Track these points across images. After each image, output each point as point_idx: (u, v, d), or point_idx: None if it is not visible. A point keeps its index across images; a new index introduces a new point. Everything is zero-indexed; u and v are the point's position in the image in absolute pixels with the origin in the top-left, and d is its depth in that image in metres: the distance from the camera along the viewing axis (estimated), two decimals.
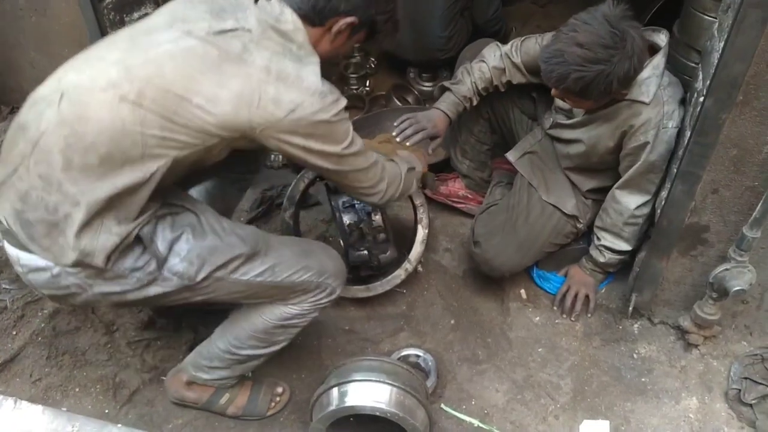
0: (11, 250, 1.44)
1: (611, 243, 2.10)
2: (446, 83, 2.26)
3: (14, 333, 2.01)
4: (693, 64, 1.95)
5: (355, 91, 3.18)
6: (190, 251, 1.46)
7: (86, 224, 1.35)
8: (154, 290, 1.46)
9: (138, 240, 1.42)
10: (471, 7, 3.06)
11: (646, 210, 2.00)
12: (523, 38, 2.18)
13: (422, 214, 2.24)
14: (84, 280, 1.41)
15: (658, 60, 1.84)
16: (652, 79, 1.83)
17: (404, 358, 2.09)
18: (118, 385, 1.98)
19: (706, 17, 1.87)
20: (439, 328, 2.23)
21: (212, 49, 1.36)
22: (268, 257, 1.58)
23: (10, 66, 2.46)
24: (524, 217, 2.16)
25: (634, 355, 2.10)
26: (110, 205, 1.36)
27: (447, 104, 2.22)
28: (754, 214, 1.69)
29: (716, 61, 1.56)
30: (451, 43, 3.07)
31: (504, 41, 2.26)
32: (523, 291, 2.33)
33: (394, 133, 2.15)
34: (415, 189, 1.97)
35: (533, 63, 2.06)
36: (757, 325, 2.04)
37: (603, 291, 2.28)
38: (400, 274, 2.21)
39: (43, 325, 2.03)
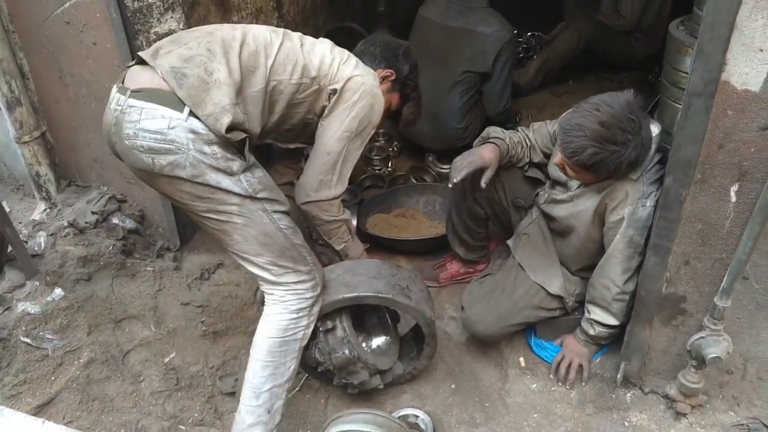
0: (137, 102, 1.72)
1: (600, 317, 2.20)
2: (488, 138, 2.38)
3: (53, 379, 2.22)
4: (668, 147, 2.12)
5: (377, 172, 3.45)
6: (260, 177, 1.84)
7: (232, 94, 1.76)
8: (226, 183, 1.75)
9: (239, 144, 1.79)
10: (483, 98, 3.31)
11: (631, 285, 2.09)
12: (537, 124, 2.43)
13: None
14: (188, 141, 1.69)
15: (655, 139, 2.01)
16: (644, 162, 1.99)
17: (403, 418, 2.21)
18: (139, 431, 2.16)
19: (677, 105, 2.06)
20: (440, 391, 2.34)
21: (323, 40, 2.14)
22: (292, 222, 1.94)
23: (70, 145, 2.83)
24: (509, 293, 2.30)
25: (626, 423, 2.16)
26: (242, 93, 1.81)
27: (496, 140, 2.34)
28: (722, 284, 1.81)
29: (673, 143, 1.74)
30: (467, 132, 3.32)
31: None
32: (522, 358, 2.43)
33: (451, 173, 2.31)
34: (336, 242, 2.26)
35: (546, 144, 2.37)
36: (744, 396, 2.08)
37: (598, 361, 2.37)
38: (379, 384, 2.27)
39: (78, 373, 2.25)
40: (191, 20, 2.70)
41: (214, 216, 1.81)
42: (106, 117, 1.82)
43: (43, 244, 2.58)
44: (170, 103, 1.71)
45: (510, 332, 2.37)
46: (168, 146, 1.70)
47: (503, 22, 3.13)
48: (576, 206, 2.18)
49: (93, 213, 2.75)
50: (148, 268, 2.68)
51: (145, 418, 2.19)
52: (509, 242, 2.48)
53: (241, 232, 1.84)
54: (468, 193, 2.53)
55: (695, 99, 1.62)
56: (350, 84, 2.00)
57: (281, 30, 2.02)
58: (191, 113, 1.70)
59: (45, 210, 2.87)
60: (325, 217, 2.13)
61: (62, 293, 2.40)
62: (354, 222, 2.98)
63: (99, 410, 2.19)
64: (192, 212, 1.86)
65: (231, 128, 1.74)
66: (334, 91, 1.99)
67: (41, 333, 2.29)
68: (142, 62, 1.82)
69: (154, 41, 2.49)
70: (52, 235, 2.62)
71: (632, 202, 2.00)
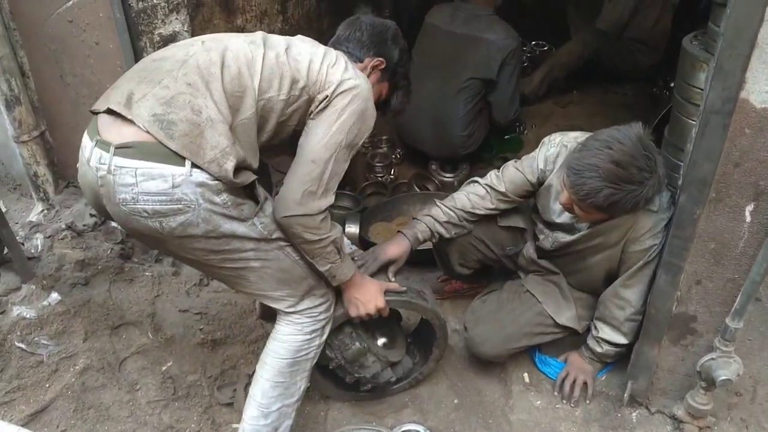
0: (127, 162, 1.53)
1: (609, 336, 2.17)
2: (416, 216, 2.33)
3: (47, 386, 2.17)
4: (680, 163, 2.09)
5: (380, 179, 3.41)
6: (272, 213, 1.72)
7: (227, 132, 1.58)
8: (241, 230, 1.65)
9: (250, 187, 1.68)
10: (489, 107, 3.28)
11: (644, 307, 2.06)
12: (502, 170, 2.26)
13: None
14: (197, 197, 1.55)
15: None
16: (665, 194, 1.96)
17: None
18: None
19: (690, 121, 2.03)
20: (442, 407, 2.30)
21: (305, 39, 1.87)
22: None
23: (70, 146, 2.78)
24: (515, 316, 2.26)
25: None
26: (234, 127, 1.62)
27: (412, 231, 2.26)
28: (735, 305, 1.78)
29: (688, 161, 1.71)
30: (471, 140, 3.30)
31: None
32: (526, 375, 2.39)
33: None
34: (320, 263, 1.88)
35: (519, 189, 2.22)
36: (753, 419, 2.05)
37: (603, 378, 2.33)
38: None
39: (73, 380, 2.20)
40: (195, 21, 2.66)
41: (230, 265, 1.72)
42: (85, 176, 1.64)
43: (40, 247, 2.54)
44: (167, 157, 1.52)
45: (514, 353, 2.33)
46: (177, 206, 1.55)
47: (509, 31, 3.11)
48: (590, 242, 2.10)
49: (91, 215, 2.71)
50: (147, 273, 2.63)
51: (141, 428, 2.14)
52: (509, 282, 2.43)
53: (257, 274, 1.76)
54: (455, 263, 2.43)
55: (713, 117, 1.59)
56: (340, 89, 1.74)
57: (259, 36, 1.78)
58: (193, 164, 1.53)
59: (42, 211, 2.83)
60: (308, 236, 1.76)
61: (59, 298, 2.35)
62: (356, 229, 2.94)
63: (94, 419, 2.14)
64: (204, 265, 1.75)
65: (236, 170, 1.59)
66: (325, 97, 1.74)
67: (36, 338, 2.25)
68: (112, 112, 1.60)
69: (158, 43, 2.46)
70: (49, 237, 2.58)
71: (657, 234, 1.96)
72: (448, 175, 3.45)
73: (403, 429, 2.19)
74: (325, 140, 1.73)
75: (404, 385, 2.33)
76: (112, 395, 2.21)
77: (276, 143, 1.83)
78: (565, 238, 2.16)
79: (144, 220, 1.57)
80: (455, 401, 2.32)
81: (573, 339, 2.35)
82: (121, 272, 2.58)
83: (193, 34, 2.59)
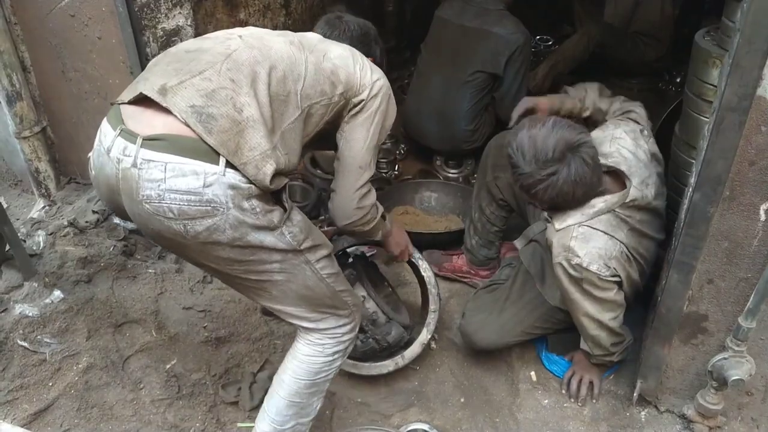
0: (156, 155, 1.42)
1: (590, 349, 2.17)
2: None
3: (50, 384, 2.15)
4: (692, 160, 2.07)
5: (384, 175, 3.39)
6: (300, 222, 1.63)
7: (267, 135, 1.50)
8: (269, 240, 1.55)
9: (279, 192, 1.59)
10: (494, 102, 3.26)
11: (595, 327, 2.05)
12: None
13: (433, 305, 2.32)
14: (227, 199, 1.44)
15: (599, 207, 1.93)
16: (575, 216, 1.94)
17: None
18: None
19: (702, 118, 2.01)
20: (448, 405, 2.28)
21: (326, 39, 1.87)
22: (335, 265, 1.78)
23: (72, 141, 2.76)
24: (513, 300, 2.26)
25: None
26: (275, 131, 1.55)
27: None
28: (748, 304, 1.75)
29: (702, 159, 1.68)
30: (476, 135, 3.27)
31: None
32: (533, 373, 2.37)
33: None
34: (378, 236, 2.08)
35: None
36: (764, 418, 2.03)
37: (611, 377, 2.31)
38: (388, 365, 2.29)
39: (77, 378, 2.18)
40: (198, 16, 2.63)
41: (253, 276, 1.63)
42: (103, 168, 1.52)
43: (42, 244, 2.51)
44: (200, 153, 1.42)
45: (512, 343, 2.30)
46: (205, 208, 1.44)
47: (519, 26, 3.08)
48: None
49: (94, 212, 2.68)
50: (150, 270, 2.61)
51: (146, 427, 2.12)
52: (516, 242, 2.42)
53: (280, 288, 1.67)
54: (489, 171, 2.51)
55: (728, 114, 1.56)
56: (373, 91, 1.77)
57: (296, 38, 1.73)
58: (228, 164, 1.44)
59: (44, 207, 2.80)
60: (366, 228, 1.91)
61: (61, 295, 2.33)
62: None
63: (98, 418, 2.12)
64: (225, 275, 1.66)
65: (274, 175, 1.51)
66: (360, 101, 1.75)
67: (39, 336, 2.22)
68: (141, 99, 1.50)
69: (161, 37, 2.43)
70: (51, 234, 2.55)
71: (557, 255, 1.95)
72: (452, 170, 3.43)
73: (410, 428, 2.17)
74: (366, 145, 1.78)
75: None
76: (116, 394, 2.19)
77: (306, 144, 1.78)
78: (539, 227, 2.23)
79: (168, 222, 1.46)
80: (462, 400, 2.30)
81: (579, 337, 2.33)
82: (124, 269, 2.55)
83: (196, 29, 2.56)
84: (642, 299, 2.19)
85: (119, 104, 1.54)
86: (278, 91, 1.56)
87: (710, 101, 1.93)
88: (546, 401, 2.28)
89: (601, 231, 1.92)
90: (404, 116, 3.50)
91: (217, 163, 1.43)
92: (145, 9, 2.34)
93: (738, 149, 1.60)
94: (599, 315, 2.00)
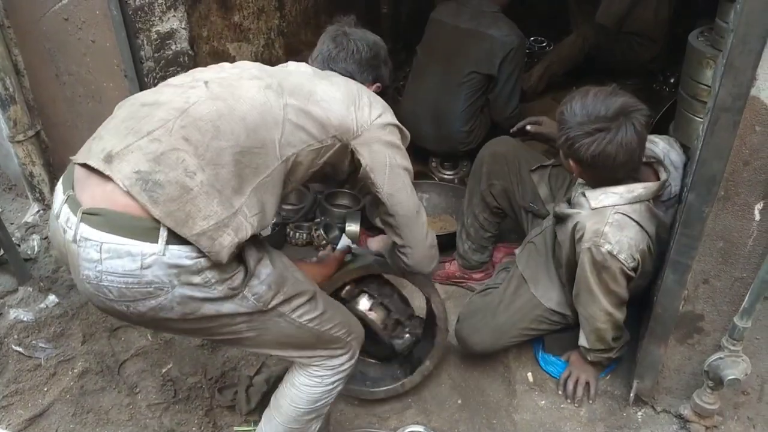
0: (93, 233, 1.29)
1: (592, 344, 2.15)
2: None
3: (45, 389, 2.15)
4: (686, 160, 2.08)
5: None
6: (268, 276, 1.46)
7: (225, 202, 1.33)
8: (228, 307, 1.41)
9: (238, 254, 1.40)
10: (489, 104, 3.26)
11: (605, 319, 2.03)
12: None
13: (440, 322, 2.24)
14: (171, 278, 1.31)
15: (638, 192, 1.91)
16: (614, 197, 1.91)
17: None
18: None
19: (696, 118, 2.02)
20: (446, 407, 2.28)
21: (315, 72, 1.70)
22: (320, 303, 1.63)
23: (66, 145, 2.75)
24: (507, 304, 2.25)
25: None
26: (243, 191, 1.38)
27: None
28: (743, 304, 1.75)
29: (696, 159, 1.69)
30: (472, 137, 3.27)
31: None
32: (530, 374, 2.37)
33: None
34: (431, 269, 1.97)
35: None
36: (760, 418, 2.04)
37: (608, 377, 2.31)
38: (397, 389, 2.25)
39: (72, 383, 2.17)
40: (192, 18, 2.63)
41: (218, 337, 1.53)
42: (55, 233, 1.41)
43: (36, 248, 2.51)
44: (137, 232, 1.28)
45: (507, 346, 2.30)
46: (146, 289, 1.31)
47: (513, 28, 3.09)
48: (564, 227, 2.08)
49: None
50: None
51: None
52: (516, 251, 2.43)
53: (254, 341, 1.56)
54: (484, 179, 2.50)
55: (722, 114, 1.56)
56: (377, 134, 1.63)
57: (277, 80, 1.54)
58: (169, 238, 1.28)
59: (38, 212, 2.80)
60: (432, 268, 1.94)
61: (56, 300, 2.33)
62: (357, 228, 2.91)
63: (93, 423, 2.12)
64: (189, 335, 1.61)
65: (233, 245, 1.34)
66: (363, 144, 1.62)
67: (34, 341, 2.22)
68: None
69: (156, 40, 2.42)
70: (45, 238, 2.55)
71: (589, 239, 1.91)
72: (448, 172, 3.43)
73: (407, 431, 2.16)
74: (410, 194, 1.74)
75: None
76: (112, 398, 2.19)
77: (308, 180, 1.69)
78: (563, 209, 2.13)
79: (110, 302, 1.35)
80: (459, 402, 2.29)
81: (576, 338, 2.33)
82: None
83: (190, 32, 2.56)
84: (638, 299, 2.19)
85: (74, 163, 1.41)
86: (252, 144, 1.40)
87: (704, 102, 1.94)
88: (543, 402, 2.28)
89: (635, 221, 1.90)
90: (399, 118, 3.49)
91: (156, 241, 1.28)
92: (139, 12, 2.33)
93: (732, 149, 1.60)
94: (611, 308, 1.99)
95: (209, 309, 1.39)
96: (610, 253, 1.87)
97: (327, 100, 1.58)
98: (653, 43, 4.08)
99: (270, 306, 1.48)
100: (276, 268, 1.50)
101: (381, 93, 1.87)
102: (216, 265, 1.34)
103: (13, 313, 2.24)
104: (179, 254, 1.30)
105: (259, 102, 1.46)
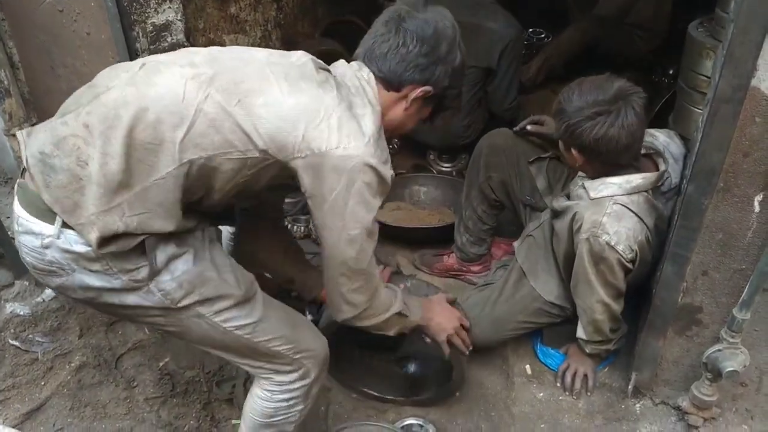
0: (16, 207, 1.36)
1: (590, 336, 2.14)
2: None
3: (42, 383, 2.14)
4: (685, 152, 2.07)
5: None
6: (184, 273, 1.38)
7: (105, 195, 1.27)
8: (132, 299, 1.37)
9: (140, 244, 1.33)
10: (487, 97, 3.24)
11: (603, 311, 2.02)
12: None
13: None
14: (68, 262, 1.32)
15: (637, 182, 1.90)
16: (612, 187, 1.91)
17: (407, 428, 2.15)
18: None
19: (696, 109, 2.00)
20: (444, 400, 2.28)
21: (297, 70, 1.41)
22: (254, 311, 1.51)
23: None
24: (506, 296, 2.25)
25: None
26: (131, 186, 1.30)
27: None
28: (742, 296, 1.75)
29: (696, 150, 1.68)
30: (470, 130, 3.25)
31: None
32: (528, 366, 2.37)
33: None
34: (392, 332, 1.74)
35: None
36: (758, 409, 2.04)
37: (606, 370, 2.31)
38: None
39: (69, 377, 2.16)
40: (188, 10, 2.61)
41: (147, 325, 1.55)
42: None
43: None
44: (41, 212, 1.30)
45: (506, 338, 2.30)
46: (49, 268, 1.34)
47: (511, 20, 3.06)
48: (563, 220, 2.08)
49: None
50: None
51: (139, 426, 2.11)
52: (515, 244, 2.42)
53: (186, 337, 1.51)
54: (482, 171, 2.49)
55: (722, 105, 1.55)
56: (329, 161, 1.33)
57: (211, 70, 1.35)
58: (65, 223, 1.29)
59: None
60: (370, 323, 1.63)
61: (52, 294, 2.31)
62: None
63: (91, 417, 2.11)
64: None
65: (110, 239, 1.28)
66: (303, 166, 1.36)
67: (30, 335, 2.21)
68: None
69: (151, 32, 2.40)
70: None
71: (587, 230, 1.90)
72: (446, 165, 3.41)
73: (405, 423, 2.17)
74: (344, 236, 1.42)
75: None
76: (109, 392, 2.18)
77: (258, 190, 1.50)
78: (560, 202, 2.13)
79: (33, 273, 1.40)
80: (457, 394, 2.29)
81: (574, 330, 2.32)
82: None
83: (186, 24, 2.54)
84: (636, 291, 2.18)
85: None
86: (145, 138, 1.28)
87: (704, 93, 1.93)
88: (541, 394, 2.28)
89: (634, 212, 1.90)
90: None
91: (53, 224, 1.29)
92: (134, 4, 2.31)
93: (732, 140, 1.59)
94: (608, 299, 1.99)
95: (112, 298, 1.37)
96: (608, 243, 1.86)
97: (269, 105, 1.33)
98: (654, 36, 4.05)
99: (180, 305, 1.40)
100: (198, 266, 1.40)
101: (437, 98, 1.61)
102: (117, 255, 1.30)
103: (9, 307, 2.23)
104: (74, 240, 1.30)
105: (173, 93, 1.31)
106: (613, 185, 1.92)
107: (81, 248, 1.30)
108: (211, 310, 1.44)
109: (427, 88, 1.54)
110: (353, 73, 1.51)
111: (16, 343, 2.18)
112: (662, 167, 1.97)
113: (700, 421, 2.03)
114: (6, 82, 2.54)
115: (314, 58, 1.51)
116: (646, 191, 1.93)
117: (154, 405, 2.17)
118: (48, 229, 1.30)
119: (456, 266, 2.75)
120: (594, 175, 1.99)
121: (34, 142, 1.32)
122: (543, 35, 4.57)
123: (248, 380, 2.23)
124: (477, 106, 3.23)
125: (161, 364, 2.29)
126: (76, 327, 2.26)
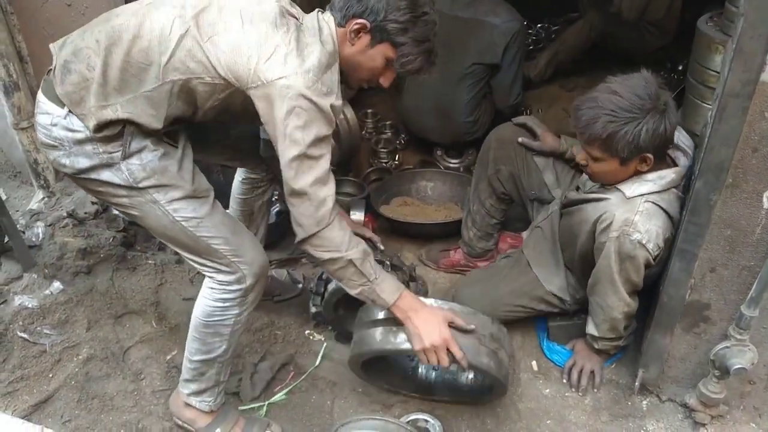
0: (39, 95, 1.71)
1: (603, 333, 2.14)
2: None
3: (50, 376, 2.15)
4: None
5: (384, 165, 3.37)
6: (149, 162, 1.67)
7: (103, 94, 1.61)
8: (105, 174, 1.67)
9: (121, 135, 1.65)
10: (492, 90, 3.22)
11: (622, 309, 2.01)
12: None
13: None
14: (69, 137, 1.65)
15: (670, 178, 1.89)
16: (648, 184, 1.89)
17: (413, 423, 2.14)
18: (140, 431, 2.09)
19: (704, 104, 1.99)
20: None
21: (262, 15, 1.65)
22: (201, 209, 1.74)
23: None
24: (509, 280, 2.26)
25: None
26: (124, 93, 1.62)
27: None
28: (751, 293, 1.74)
29: (704, 146, 1.67)
30: (476, 126, 3.24)
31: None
32: (534, 362, 2.37)
33: None
34: (352, 290, 1.81)
35: None
36: (766, 407, 2.02)
37: (613, 366, 2.30)
38: None
39: (77, 369, 2.18)
40: None
41: (118, 209, 1.80)
42: None
43: (41, 235, 2.51)
44: (55, 98, 1.66)
45: (500, 317, 2.24)
46: (53, 143, 1.68)
47: (513, 13, 3.04)
48: (580, 215, 2.05)
49: (93, 203, 2.68)
50: (150, 261, 2.61)
51: (146, 418, 2.11)
52: (524, 234, 2.43)
53: (145, 223, 1.78)
54: (491, 164, 2.49)
55: (731, 100, 1.54)
56: (274, 90, 1.57)
57: (193, 11, 1.63)
58: (71, 112, 1.64)
59: (43, 199, 2.80)
60: (319, 255, 1.74)
61: (61, 286, 2.33)
62: (361, 216, 2.88)
63: (98, 409, 2.12)
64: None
65: (103, 126, 1.62)
66: (257, 95, 1.60)
67: (39, 328, 2.22)
68: None
69: None
70: (50, 225, 2.55)
71: (617, 228, 1.87)
72: (453, 161, 3.40)
73: (411, 418, 2.16)
74: (285, 158, 1.63)
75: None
76: (116, 385, 2.19)
77: (238, 112, 1.75)
78: (573, 196, 2.13)
79: (40, 147, 1.74)
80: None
81: (581, 326, 2.32)
82: (124, 260, 2.55)
83: None
84: (644, 288, 2.17)
85: None
86: (139, 59, 1.61)
87: (713, 88, 1.91)
88: (547, 391, 2.27)
89: (664, 209, 1.88)
90: (403, 113, 3.48)
91: (63, 108, 1.64)
92: None
93: (741, 136, 1.58)
94: (629, 298, 1.98)
95: (91, 174, 1.68)
96: (639, 242, 1.85)
97: (230, 42, 1.61)
98: (666, 33, 4.02)
99: (141, 185, 1.68)
100: (163, 162, 1.69)
101: (379, 30, 1.69)
102: (105, 138, 1.64)
103: (18, 300, 2.25)
104: (77, 123, 1.63)
105: (161, 26, 1.62)
106: (648, 182, 1.90)
107: (80, 128, 1.63)
108: (165, 198, 1.70)
109: (361, 21, 1.69)
110: (316, 16, 1.74)
111: (25, 336, 2.19)
112: (682, 161, 1.96)
113: (707, 418, 2.02)
114: (15, 76, 2.56)
115: (287, 6, 1.73)
116: (675, 186, 1.92)
117: (161, 398, 2.18)
118: (58, 111, 1.64)
119: (462, 261, 2.75)
120: (613, 181, 1.95)
121: (63, 52, 1.67)
122: (555, 26, 4.54)
123: (254, 374, 2.24)
124: (482, 100, 3.22)
125: (168, 357, 2.30)
126: (84, 320, 2.28)
